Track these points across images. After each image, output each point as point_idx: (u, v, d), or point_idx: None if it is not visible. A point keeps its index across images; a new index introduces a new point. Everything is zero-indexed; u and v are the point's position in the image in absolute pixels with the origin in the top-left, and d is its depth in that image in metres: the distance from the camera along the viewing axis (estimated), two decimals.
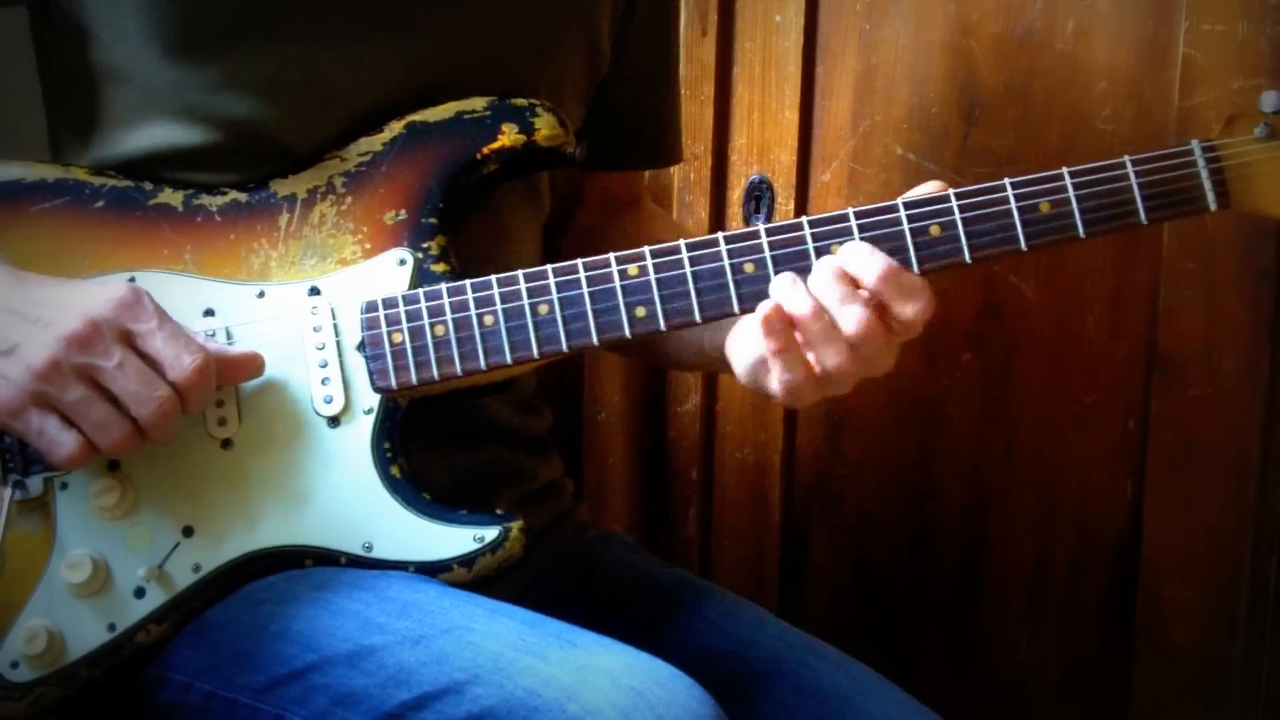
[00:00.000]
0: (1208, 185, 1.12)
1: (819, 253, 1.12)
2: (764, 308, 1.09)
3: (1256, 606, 1.46)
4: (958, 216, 1.12)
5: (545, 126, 1.18)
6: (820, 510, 1.70)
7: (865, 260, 1.10)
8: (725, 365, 1.19)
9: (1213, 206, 1.12)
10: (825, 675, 1.21)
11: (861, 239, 1.12)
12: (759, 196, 1.66)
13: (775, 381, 1.12)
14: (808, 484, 1.70)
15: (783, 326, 1.09)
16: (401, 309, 1.14)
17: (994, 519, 1.59)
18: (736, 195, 1.68)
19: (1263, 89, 1.26)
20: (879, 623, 1.68)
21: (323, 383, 1.14)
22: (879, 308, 1.09)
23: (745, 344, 1.15)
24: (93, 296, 1.06)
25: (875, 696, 1.20)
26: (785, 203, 1.65)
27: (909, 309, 1.09)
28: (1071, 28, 1.48)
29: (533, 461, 1.35)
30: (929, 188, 1.13)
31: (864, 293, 1.09)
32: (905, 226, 1.12)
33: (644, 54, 1.40)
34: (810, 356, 1.10)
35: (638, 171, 1.50)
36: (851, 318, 1.09)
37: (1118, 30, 1.46)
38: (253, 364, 1.12)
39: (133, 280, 1.14)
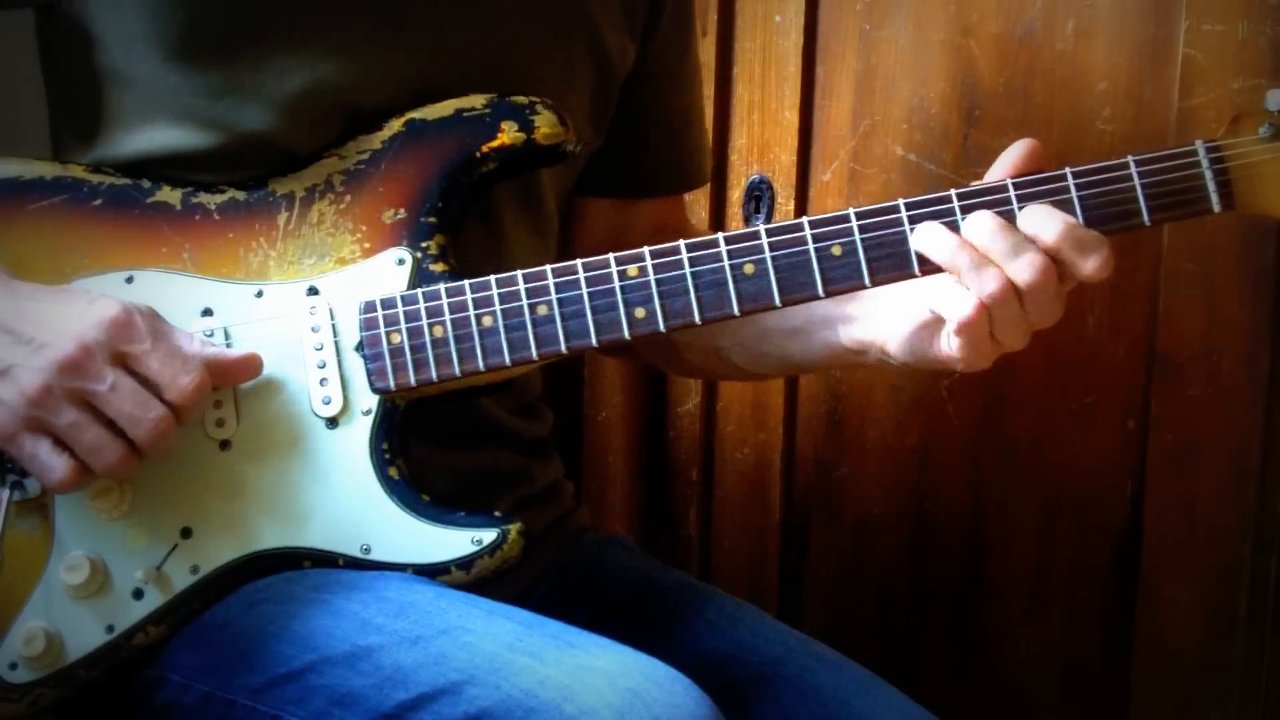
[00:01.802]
0: (1211, 186, 1.10)
1: (819, 253, 1.12)
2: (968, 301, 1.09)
3: (1256, 607, 1.45)
4: (959, 218, 1.11)
5: (545, 124, 1.18)
6: (820, 510, 1.70)
7: (1044, 220, 1.09)
8: (849, 355, 1.21)
9: (1216, 208, 1.10)
10: (825, 678, 1.21)
11: (863, 239, 1.12)
12: (759, 196, 1.66)
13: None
14: (808, 484, 1.70)
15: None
16: (400, 309, 1.14)
17: (994, 519, 1.59)
18: (736, 195, 1.68)
19: (1263, 89, 1.25)
20: (879, 623, 1.68)
21: (321, 383, 1.13)
22: (1060, 265, 1.09)
23: (906, 310, 1.15)
24: (84, 318, 1.06)
25: (874, 700, 1.20)
26: (785, 203, 1.65)
27: (1089, 264, 1.08)
28: (1071, 28, 1.47)
29: (533, 464, 1.35)
30: (1018, 150, 1.13)
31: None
32: (906, 227, 1.12)
33: (671, 85, 1.40)
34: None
35: (680, 195, 1.49)
36: (1026, 267, 1.08)
37: (1118, 30, 1.45)
38: (250, 365, 1.12)
39: (131, 279, 1.14)
